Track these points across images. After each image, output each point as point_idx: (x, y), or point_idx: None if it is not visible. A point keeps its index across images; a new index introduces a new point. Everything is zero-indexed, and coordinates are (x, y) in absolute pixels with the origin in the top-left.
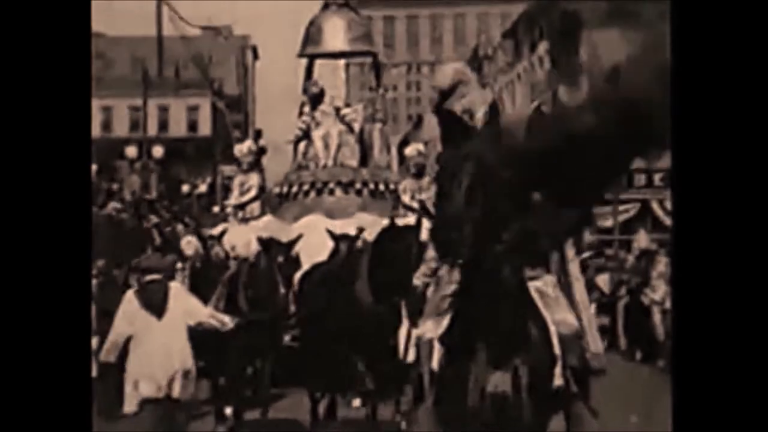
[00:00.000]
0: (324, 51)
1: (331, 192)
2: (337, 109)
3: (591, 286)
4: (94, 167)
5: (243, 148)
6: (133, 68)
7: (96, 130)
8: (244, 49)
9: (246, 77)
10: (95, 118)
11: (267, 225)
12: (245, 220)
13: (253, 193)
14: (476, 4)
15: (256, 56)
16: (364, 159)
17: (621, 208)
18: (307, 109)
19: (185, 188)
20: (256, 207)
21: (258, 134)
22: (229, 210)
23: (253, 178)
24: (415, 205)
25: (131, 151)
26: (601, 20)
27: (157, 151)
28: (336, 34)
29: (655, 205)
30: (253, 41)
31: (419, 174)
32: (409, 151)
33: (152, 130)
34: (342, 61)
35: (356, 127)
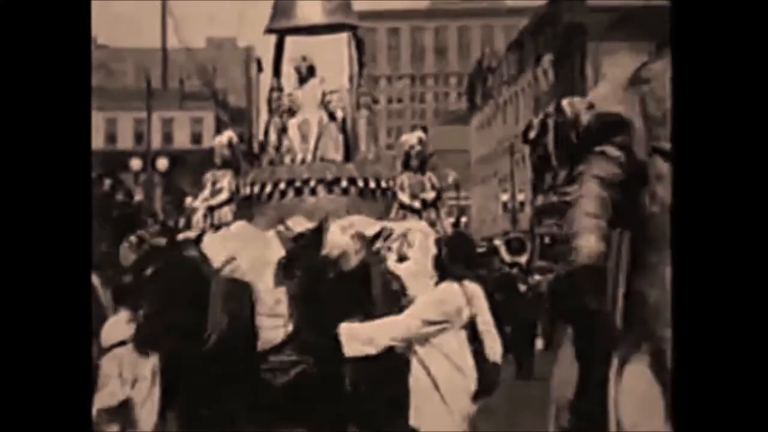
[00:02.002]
0: (297, 24)
1: (313, 191)
2: (323, 94)
3: None
4: (108, 182)
5: (222, 139)
6: (137, 80)
7: (100, 143)
8: (249, 61)
9: (250, 89)
10: (99, 130)
11: (239, 232)
12: (215, 227)
13: (224, 195)
14: (481, 16)
15: (260, 68)
16: (348, 152)
17: None
18: (285, 90)
19: (189, 200)
20: (228, 211)
21: (262, 146)
22: (197, 214)
23: (226, 177)
24: (417, 204)
25: (135, 163)
26: (605, 32)
27: (162, 163)
28: (310, 3)
29: None
30: (257, 53)
31: (421, 167)
32: (408, 138)
33: (156, 142)
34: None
35: (339, 114)
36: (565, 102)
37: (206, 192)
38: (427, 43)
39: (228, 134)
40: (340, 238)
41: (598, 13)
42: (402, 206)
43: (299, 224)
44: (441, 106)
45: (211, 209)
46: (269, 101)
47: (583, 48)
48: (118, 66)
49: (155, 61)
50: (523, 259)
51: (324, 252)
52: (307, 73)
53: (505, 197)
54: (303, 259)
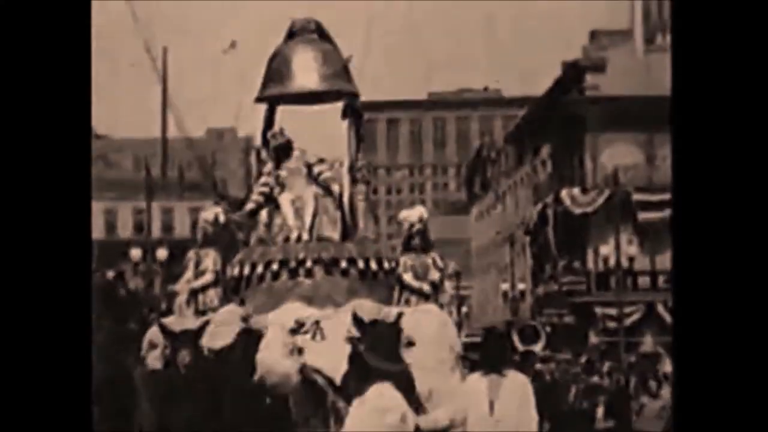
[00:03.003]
0: (291, 91)
1: (309, 273)
2: (309, 166)
3: (597, 389)
4: (107, 272)
5: (208, 216)
6: (136, 170)
7: (99, 233)
8: (248, 151)
9: (250, 179)
10: (98, 220)
11: (230, 317)
12: (201, 312)
13: (208, 277)
14: (479, 107)
15: (260, 158)
16: (346, 230)
17: (626, 310)
18: (268, 167)
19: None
20: (213, 295)
21: (250, 225)
22: (179, 297)
23: (210, 257)
24: (426, 287)
25: (135, 253)
26: (603, 123)
27: (161, 253)
28: (306, 69)
29: (660, 307)
30: (257, 143)
31: (424, 247)
32: (408, 215)
33: (156, 232)
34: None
35: (335, 189)
36: (564, 192)
37: (189, 273)
38: (426, 133)
39: (215, 210)
40: (279, 352)
41: (596, 104)
42: (405, 288)
43: (296, 312)
44: (440, 196)
45: (194, 292)
46: (258, 175)
47: (581, 139)
48: (118, 156)
49: (155, 150)
50: (537, 347)
51: (257, 376)
52: (283, 150)
53: (505, 287)
54: (227, 387)
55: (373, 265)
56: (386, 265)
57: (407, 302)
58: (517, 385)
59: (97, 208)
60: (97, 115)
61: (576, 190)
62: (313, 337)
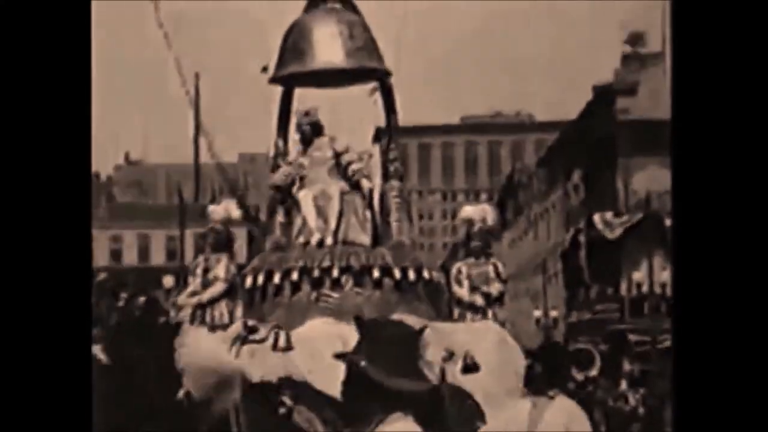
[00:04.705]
0: (311, 69)
1: (337, 283)
2: (337, 155)
3: (631, 416)
4: (141, 300)
5: (218, 211)
6: (169, 196)
7: (133, 259)
8: None
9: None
10: (132, 247)
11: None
12: (211, 328)
13: (219, 287)
14: (511, 131)
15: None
16: (377, 234)
17: (660, 337)
18: (294, 154)
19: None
20: (224, 309)
21: (264, 228)
22: (182, 313)
23: (222, 263)
24: (479, 301)
25: (168, 280)
26: (635, 146)
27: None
28: (329, 43)
29: None
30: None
31: (485, 251)
32: (469, 212)
33: (189, 259)
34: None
35: (365, 185)
36: (596, 217)
37: (196, 283)
38: (458, 158)
39: (225, 205)
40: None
41: (628, 127)
42: (460, 303)
43: (324, 327)
44: None
45: (201, 306)
46: (272, 168)
47: (613, 163)
48: (150, 181)
49: (187, 175)
50: (593, 372)
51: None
52: (312, 133)
53: (538, 314)
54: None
55: (412, 275)
56: (427, 274)
57: (462, 318)
58: (568, 414)
59: (130, 234)
60: (130, 141)
61: (609, 215)
62: (275, 346)
